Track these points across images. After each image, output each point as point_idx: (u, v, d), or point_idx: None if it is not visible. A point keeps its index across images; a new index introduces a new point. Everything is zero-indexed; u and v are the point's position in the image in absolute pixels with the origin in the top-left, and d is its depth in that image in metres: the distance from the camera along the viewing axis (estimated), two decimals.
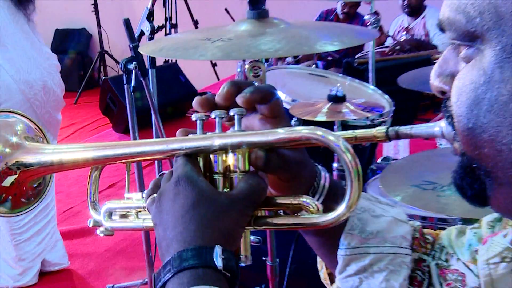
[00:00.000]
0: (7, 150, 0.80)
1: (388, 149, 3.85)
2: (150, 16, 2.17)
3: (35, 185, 0.85)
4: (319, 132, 0.66)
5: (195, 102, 0.77)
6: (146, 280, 2.82)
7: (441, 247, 0.84)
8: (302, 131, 0.68)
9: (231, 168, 0.72)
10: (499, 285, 0.54)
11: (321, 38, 1.46)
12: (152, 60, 2.18)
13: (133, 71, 1.99)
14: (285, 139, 0.69)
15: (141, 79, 1.99)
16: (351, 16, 5.15)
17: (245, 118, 0.76)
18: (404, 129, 0.68)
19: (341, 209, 0.67)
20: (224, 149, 0.71)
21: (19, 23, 2.86)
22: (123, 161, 0.78)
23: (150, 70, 2.17)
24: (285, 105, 2.07)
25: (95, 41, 7.33)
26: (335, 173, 2.19)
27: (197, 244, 0.64)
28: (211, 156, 0.72)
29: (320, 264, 0.91)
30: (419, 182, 1.59)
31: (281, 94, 2.03)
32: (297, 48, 1.42)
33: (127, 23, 1.99)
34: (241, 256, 0.71)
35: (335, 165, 2.16)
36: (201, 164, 0.72)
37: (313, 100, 2.00)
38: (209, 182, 0.71)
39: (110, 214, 0.82)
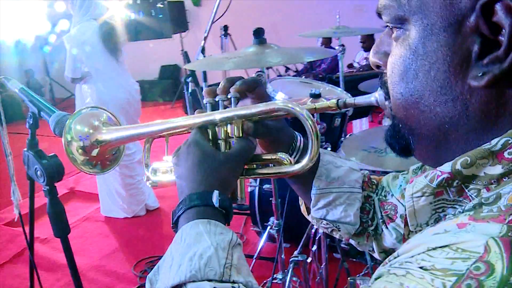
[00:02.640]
0: (91, 131, 0.70)
1: (355, 128, 3.67)
2: (203, 51, 2.10)
3: (113, 153, 0.75)
4: (290, 104, 0.53)
5: (205, 91, 0.64)
6: None
7: (381, 187, 0.71)
8: (277, 103, 0.54)
9: (229, 135, 0.59)
10: (420, 214, 0.40)
11: (305, 54, 1.37)
12: (204, 74, 2.06)
13: (189, 83, 1.89)
14: (264, 110, 0.56)
15: (195, 88, 1.89)
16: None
17: (241, 102, 0.64)
18: (349, 99, 0.54)
19: (305, 161, 0.54)
20: (224, 122, 0.58)
21: (112, 63, 2.84)
22: (161, 134, 0.65)
23: (204, 83, 2.07)
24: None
25: (183, 70, 7.51)
26: None
27: (200, 190, 0.53)
28: (217, 128, 0.60)
29: (300, 201, 0.78)
30: (367, 148, 1.44)
31: (281, 94, 1.90)
32: (291, 60, 1.31)
33: (186, 54, 1.89)
34: (238, 198, 0.59)
35: None
36: (210, 133, 0.60)
37: (300, 97, 1.86)
38: (215, 146, 0.59)
39: (155, 171, 0.70)
